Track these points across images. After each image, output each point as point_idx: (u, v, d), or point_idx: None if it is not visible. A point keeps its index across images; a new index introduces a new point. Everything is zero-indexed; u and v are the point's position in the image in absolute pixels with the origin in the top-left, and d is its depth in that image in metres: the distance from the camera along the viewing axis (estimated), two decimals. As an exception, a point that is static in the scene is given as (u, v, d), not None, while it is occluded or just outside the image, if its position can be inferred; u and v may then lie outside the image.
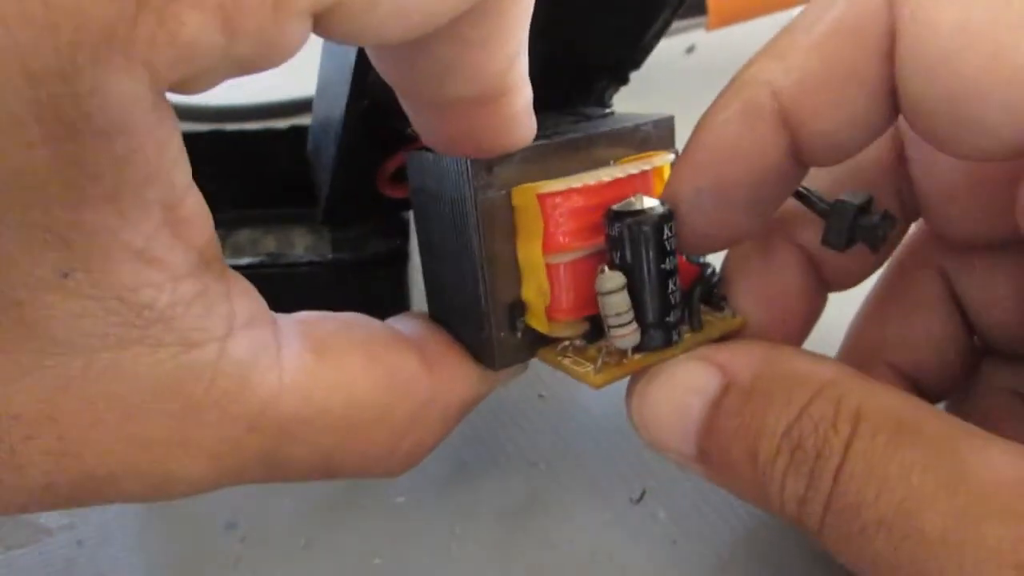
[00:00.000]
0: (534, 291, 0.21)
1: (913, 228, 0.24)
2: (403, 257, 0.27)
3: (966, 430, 0.17)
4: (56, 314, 0.15)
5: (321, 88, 0.27)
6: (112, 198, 0.14)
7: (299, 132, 0.33)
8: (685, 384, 0.20)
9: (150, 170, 0.15)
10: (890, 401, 0.18)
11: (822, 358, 0.20)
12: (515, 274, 0.21)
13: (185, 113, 0.42)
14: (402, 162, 0.24)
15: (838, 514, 0.17)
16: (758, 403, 0.19)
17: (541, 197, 0.20)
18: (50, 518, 0.24)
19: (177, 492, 0.18)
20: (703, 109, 0.20)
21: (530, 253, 0.20)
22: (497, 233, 0.20)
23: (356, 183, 0.26)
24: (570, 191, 0.20)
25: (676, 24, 0.43)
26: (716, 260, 0.23)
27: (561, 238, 0.20)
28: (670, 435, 0.20)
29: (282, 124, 0.34)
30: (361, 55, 0.22)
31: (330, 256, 0.27)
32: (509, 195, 0.20)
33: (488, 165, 0.20)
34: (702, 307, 0.22)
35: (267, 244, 0.33)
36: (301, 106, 0.42)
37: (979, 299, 0.23)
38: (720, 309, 0.22)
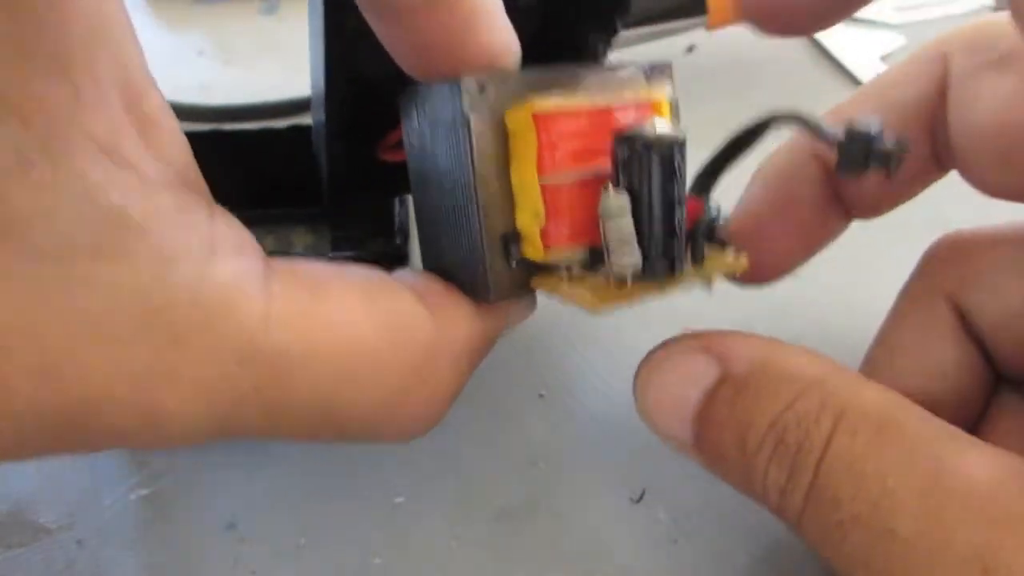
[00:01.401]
0: (529, 216, 0.20)
1: (922, 259, 0.25)
2: (403, 257, 0.27)
3: (949, 433, 0.18)
4: (25, 210, 0.14)
5: (312, 75, 0.27)
6: (60, 64, 0.14)
7: (298, 132, 0.33)
8: (685, 373, 0.20)
9: (93, 24, 0.14)
10: (875, 400, 0.18)
11: (818, 356, 0.20)
12: (509, 204, 0.20)
13: (185, 113, 0.42)
14: (395, 139, 0.24)
15: (817, 507, 0.18)
16: (749, 395, 0.19)
17: (537, 116, 0.19)
18: (50, 518, 0.24)
19: (172, 432, 0.17)
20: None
21: (524, 175, 0.20)
22: (490, 159, 0.20)
23: (353, 161, 0.26)
24: (567, 111, 0.19)
25: (676, 24, 0.43)
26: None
27: (557, 158, 0.19)
28: (670, 422, 0.21)
29: (281, 124, 0.34)
30: (329, 22, 0.22)
31: (330, 255, 0.27)
32: (503, 120, 0.20)
33: (480, 85, 0.19)
34: (705, 244, 0.21)
35: (267, 243, 0.33)
36: (300, 106, 0.42)
37: (992, 323, 0.23)
38: (723, 247, 0.21)
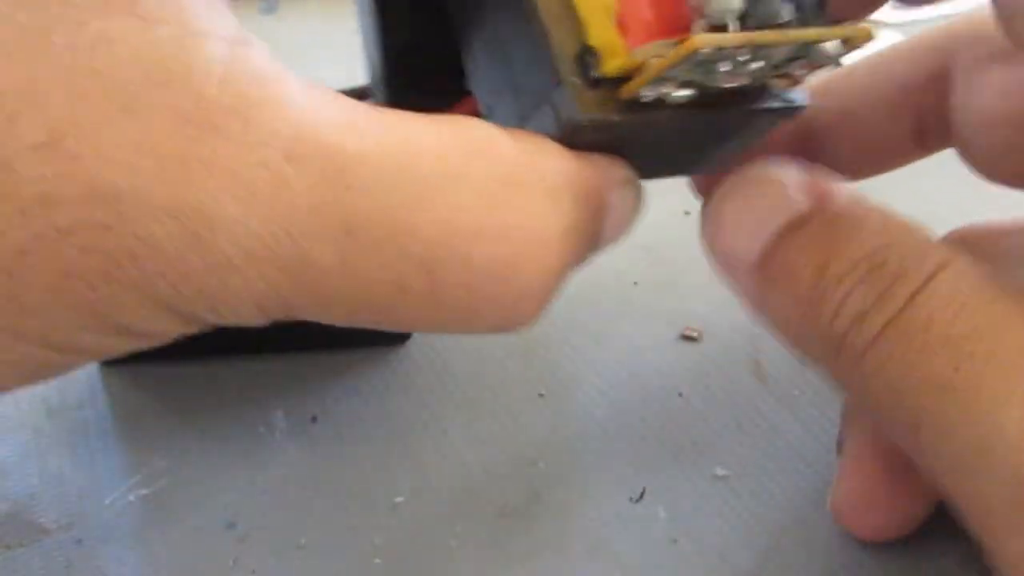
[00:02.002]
0: (600, 15, 0.17)
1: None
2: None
3: None
4: None
5: (368, 53, 0.25)
6: None
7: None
8: (778, 190, 0.19)
9: None
10: (977, 264, 0.18)
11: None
12: (577, 25, 0.18)
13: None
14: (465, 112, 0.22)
15: (899, 332, 0.17)
16: (846, 225, 0.19)
17: None
18: (49, 518, 0.24)
19: (222, 240, 0.14)
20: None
21: None
22: None
23: None
24: None
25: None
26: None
27: None
28: (740, 234, 0.20)
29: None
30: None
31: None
32: None
33: None
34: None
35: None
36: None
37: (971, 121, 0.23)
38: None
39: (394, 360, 0.29)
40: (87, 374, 0.28)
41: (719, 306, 0.30)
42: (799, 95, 0.20)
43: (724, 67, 0.17)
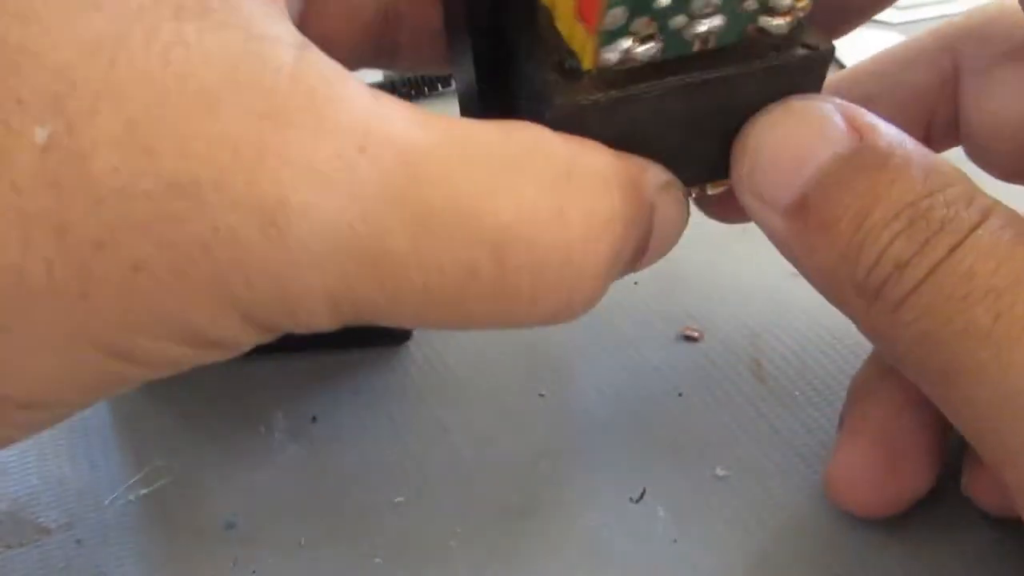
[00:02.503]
0: (567, 18, 0.18)
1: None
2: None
3: None
4: None
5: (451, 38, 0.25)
6: None
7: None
8: (821, 131, 0.19)
9: None
10: (1020, 216, 0.18)
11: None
12: (558, 33, 0.18)
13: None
14: None
15: (940, 282, 0.17)
16: (890, 171, 0.18)
17: None
18: (49, 517, 0.24)
19: (298, 229, 0.14)
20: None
21: None
22: None
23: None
24: None
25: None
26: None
27: None
28: (778, 174, 0.19)
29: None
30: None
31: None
32: None
33: None
34: None
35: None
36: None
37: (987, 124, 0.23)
38: None
39: (394, 360, 0.29)
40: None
41: (719, 306, 0.30)
42: (816, 40, 0.19)
43: (674, 5, 0.17)
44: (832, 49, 0.19)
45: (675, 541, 0.23)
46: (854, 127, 0.19)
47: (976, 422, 0.18)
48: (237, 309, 0.15)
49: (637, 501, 0.24)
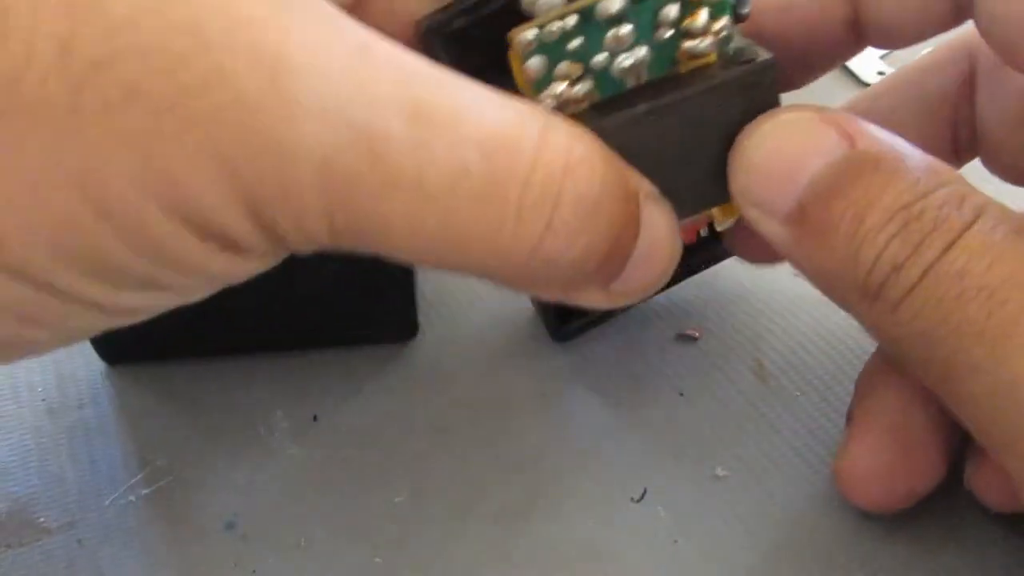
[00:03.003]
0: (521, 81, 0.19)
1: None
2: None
3: None
4: None
5: None
6: None
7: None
8: (811, 142, 0.19)
9: None
10: (1011, 213, 0.18)
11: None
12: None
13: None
14: None
15: (934, 282, 0.18)
16: (882, 174, 0.19)
17: None
18: (50, 517, 0.24)
19: (300, 86, 0.14)
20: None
21: None
22: None
23: None
24: None
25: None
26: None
27: None
28: (775, 184, 0.20)
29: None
30: None
31: (334, 252, 0.27)
32: None
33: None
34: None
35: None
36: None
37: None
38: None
39: (394, 360, 0.29)
40: (88, 373, 0.28)
41: (719, 306, 0.30)
42: (754, 51, 0.20)
43: (586, 46, 0.18)
44: (772, 60, 0.20)
45: (675, 541, 0.23)
46: (845, 134, 0.19)
47: (977, 415, 0.18)
48: (230, 182, 0.15)
49: (638, 501, 0.24)
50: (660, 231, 0.19)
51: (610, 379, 0.28)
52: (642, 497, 0.24)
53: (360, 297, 0.28)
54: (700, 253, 0.28)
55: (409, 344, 0.29)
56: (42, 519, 0.24)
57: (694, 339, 0.29)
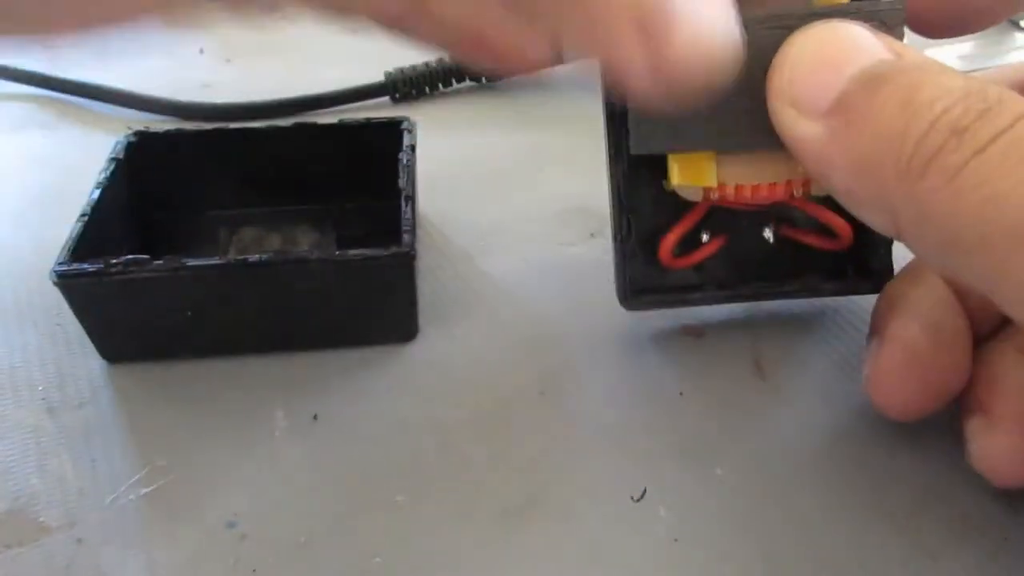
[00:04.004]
0: None
1: None
2: (411, 257, 0.27)
3: None
4: None
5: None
6: None
7: (303, 130, 0.33)
8: (859, 42, 0.19)
9: None
10: None
11: None
12: None
13: (186, 111, 0.42)
14: (680, 235, 0.26)
15: (1007, 145, 0.17)
16: (934, 69, 0.18)
17: None
18: (50, 517, 0.24)
19: None
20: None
21: None
22: None
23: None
24: None
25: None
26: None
27: None
28: (817, 77, 0.19)
29: (287, 122, 0.34)
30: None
31: (336, 254, 0.27)
32: None
33: None
34: None
35: (272, 242, 0.33)
36: (302, 104, 0.42)
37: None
38: None
39: (395, 359, 0.29)
40: (88, 372, 0.28)
41: (719, 306, 0.30)
42: None
43: None
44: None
45: (676, 541, 0.23)
46: (892, 48, 0.19)
47: None
48: None
49: (638, 501, 0.24)
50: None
51: (610, 379, 0.28)
52: (642, 497, 0.24)
53: (360, 298, 0.28)
54: (793, 280, 0.28)
55: (409, 344, 0.29)
56: (42, 518, 0.24)
57: (694, 338, 0.29)
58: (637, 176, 0.26)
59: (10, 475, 0.25)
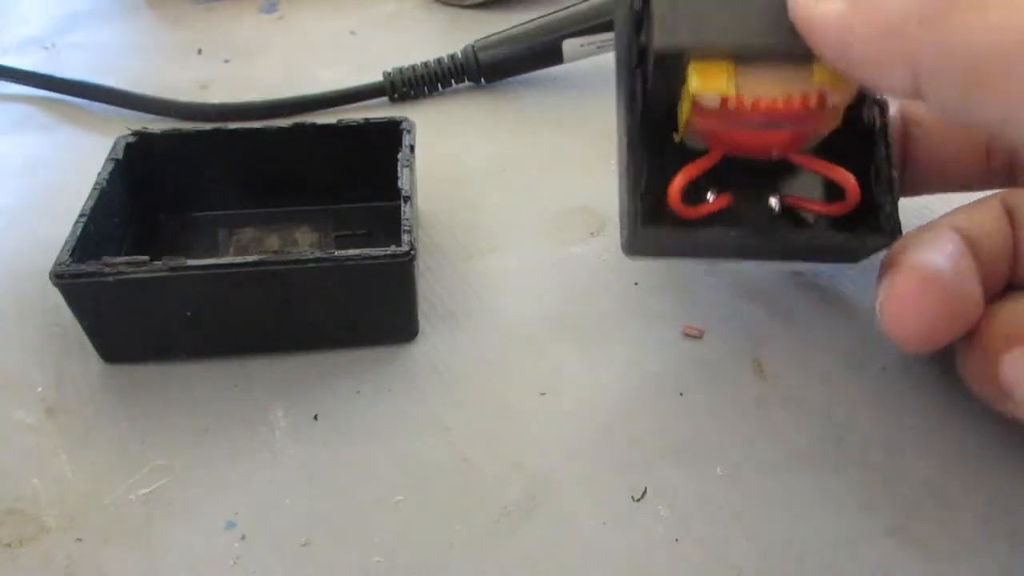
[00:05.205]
0: None
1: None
2: (410, 256, 0.27)
3: None
4: None
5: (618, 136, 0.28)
6: None
7: (302, 130, 0.33)
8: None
9: None
10: None
11: None
12: None
13: (184, 111, 0.42)
14: (688, 178, 0.26)
15: None
16: None
17: None
18: (50, 517, 0.24)
19: None
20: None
21: None
22: None
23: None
24: None
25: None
26: None
27: None
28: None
29: (285, 122, 0.34)
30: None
31: (335, 254, 0.27)
32: None
33: None
34: None
35: (271, 242, 0.33)
36: (301, 105, 0.42)
37: None
38: None
39: (395, 359, 0.29)
40: (87, 373, 0.28)
41: (719, 306, 0.30)
42: None
43: None
44: None
45: (676, 541, 0.23)
46: None
47: None
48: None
49: (638, 500, 0.24)
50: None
51: (610, 379, 0.28)
52: (642, 497, 0.24)
53: (360, 298, 0.28)
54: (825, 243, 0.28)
55: (409, 344, 0.29)
56: (42, 518, 0.24)
57: (695, 338, 0.29)
58: (646, 131, 0.26)
59: (10, 475, 0.25)
